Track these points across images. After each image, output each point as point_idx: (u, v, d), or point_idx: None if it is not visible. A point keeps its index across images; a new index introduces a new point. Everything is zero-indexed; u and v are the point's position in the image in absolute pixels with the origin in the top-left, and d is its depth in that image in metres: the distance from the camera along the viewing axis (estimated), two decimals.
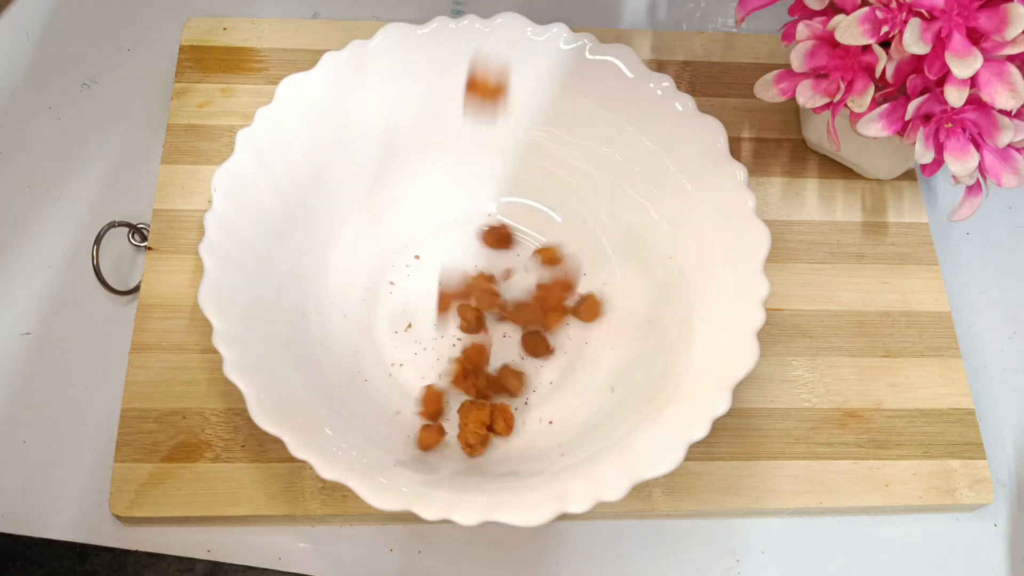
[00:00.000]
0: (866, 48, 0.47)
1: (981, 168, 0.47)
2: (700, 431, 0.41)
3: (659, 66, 0.60)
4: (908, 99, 0.47)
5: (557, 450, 0.46)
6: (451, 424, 0.48)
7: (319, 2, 0.63)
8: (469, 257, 0.53)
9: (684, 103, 0.49)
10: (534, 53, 0.51)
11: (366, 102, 0.50)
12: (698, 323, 0.46)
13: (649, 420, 0.43)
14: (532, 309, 0.51)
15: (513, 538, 0.47)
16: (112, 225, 0.51)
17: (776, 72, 0.51)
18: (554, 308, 0.51)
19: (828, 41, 0.48)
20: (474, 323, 0.50)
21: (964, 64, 0.44)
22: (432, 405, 0.48)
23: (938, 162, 0.47)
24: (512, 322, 0.51)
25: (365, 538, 0.47)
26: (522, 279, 0.53)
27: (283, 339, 0.46)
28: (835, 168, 0.58)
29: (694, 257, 0.48)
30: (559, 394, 0.49)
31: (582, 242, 0.53)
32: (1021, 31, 0.43)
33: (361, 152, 0.51)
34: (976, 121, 0.47)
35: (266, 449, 0.46)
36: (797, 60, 0.49)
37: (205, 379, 0.48)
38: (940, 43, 0.44)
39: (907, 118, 0.47)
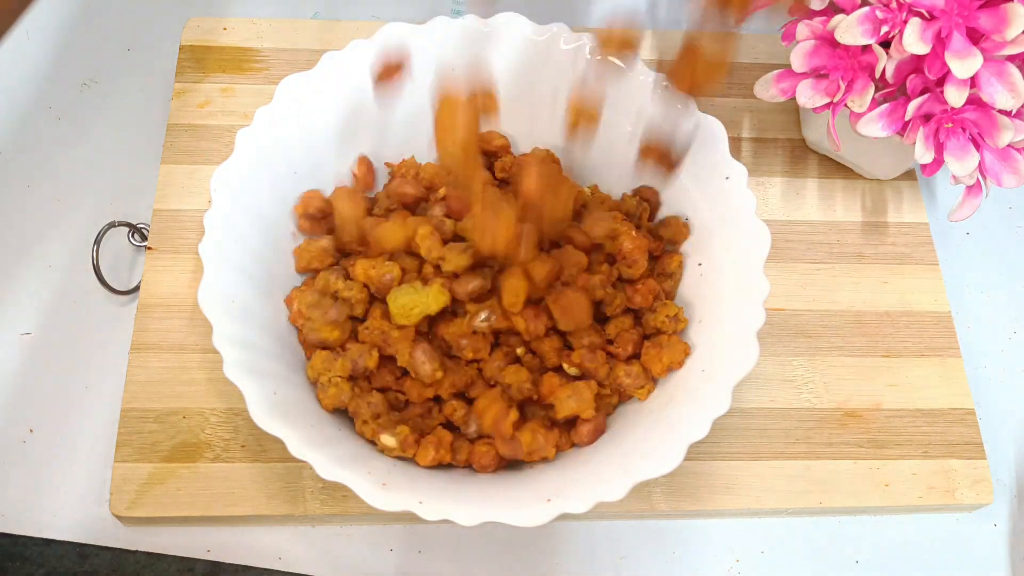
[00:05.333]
0: (866, 48, 0.47)
1: (981, 168, 0.47)
2: (700, 431, 0.41)
3: (659, 66, 0.59)
4: (908, 99, 0.47)
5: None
6: None
7: (319, 2, 0.63)
8: None
9: (684, 103, 0.49)
10: (534, 53, 0.51)
11: (365, 102, 0.50)
12: (698, 323, 0.46)
13: (649, 420, 0.43)
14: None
15: (513, 538, 0.47)
16: (112, 225, 0.51)
17: (776, 72, 0.51)
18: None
19: (828, 41, 0.48)
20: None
21: (964, 64, 0.44)
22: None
23: (938, 162, 0.47)
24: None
25: (365, 538, 0.47)
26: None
27: (282, 338, 0.46)
28: (835, 168, 0.58)
29: (694, 257, 0.48)
30: None
31: None
32: (1021, 31, 0.43)
33: (361, 151, 0.51)
34: (976, 121, 0.47)
35: (266, 449, 0.46)
36: (797, 60, 0.49)
37: (205, 379, 0.48)
38: (940, 43, 0.44)
39: (907, 118, 0.47)
